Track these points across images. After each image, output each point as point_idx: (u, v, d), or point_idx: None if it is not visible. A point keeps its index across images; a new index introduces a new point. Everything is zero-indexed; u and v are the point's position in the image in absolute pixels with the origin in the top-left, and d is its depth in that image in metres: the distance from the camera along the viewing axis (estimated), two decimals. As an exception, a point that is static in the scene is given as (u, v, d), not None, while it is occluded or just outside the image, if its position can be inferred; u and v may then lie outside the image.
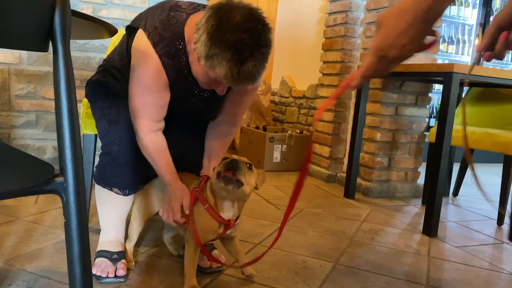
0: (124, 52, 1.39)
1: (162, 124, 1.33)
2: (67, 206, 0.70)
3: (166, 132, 1.38)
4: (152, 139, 1.30)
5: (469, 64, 4.34)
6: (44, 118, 2.33)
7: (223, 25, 1.08)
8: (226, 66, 1.10)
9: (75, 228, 0.70)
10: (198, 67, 1.20)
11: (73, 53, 2.03)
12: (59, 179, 0.70)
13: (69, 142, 0.69)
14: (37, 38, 0.66)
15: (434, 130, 2.48)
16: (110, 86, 1.42)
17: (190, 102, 1.39)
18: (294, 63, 4.02)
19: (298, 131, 3.53)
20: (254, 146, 3.42)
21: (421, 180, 2.87)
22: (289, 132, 3.42)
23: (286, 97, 4.03)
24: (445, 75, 1.95)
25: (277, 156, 3.31)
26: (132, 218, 1.43)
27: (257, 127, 3.66)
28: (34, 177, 0.67)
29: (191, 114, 1.45)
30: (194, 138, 1.50)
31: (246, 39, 1.08)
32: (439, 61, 4.16)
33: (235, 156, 1.23)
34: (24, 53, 2.23)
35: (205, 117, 1.49)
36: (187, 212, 1.29)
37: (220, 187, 1.19)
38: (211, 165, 1.44)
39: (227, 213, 1.26)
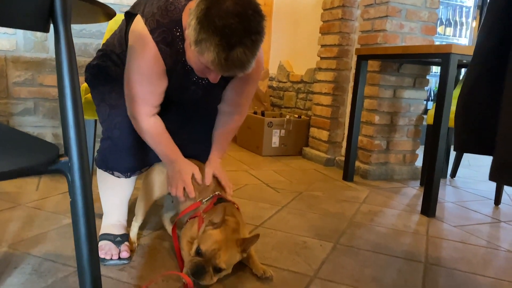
0: (123, 38, 1.39)
1: (159, 108, 1.34)
2: (73, 185, 0.71)
3: (167, 119, 1.39)
4: (152, 123, 1.31)
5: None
6: (42, 105, 2.32)
7: (212, 9, 1.07)
8: (214, 52, 1.09)
9: (81, 206, 0.71)
10: (191, 53, 1.20)
11: (70, 39, 2.00)
12: (64, 159, 0.71)
13: (73, 122, 0.70)
14: (38, 17, 0.66)
15: (432, 112, 2.49)
16: (110, 71, 1.41)
17: (189, 90, 1.39)
18: (291, 47, 4.00)
19: (296, 115, 3.53)
20: (253, 131, 3.42)
21: (419, 163, 2.89)
22: (287, 117, 3.43)
23: (284, 82, 4.03)
24: (443, 56, 1.95)
25: (275, 141, 3.32)
26: (139, 198, 1.47)
27: (255, 113, 3.66)
28: (40, 157, 0.68)
29: (192, 101, 1.45)
30: (196, 126, 1.51)
31: (234, 25, 1.06)
32: (437, 44, 4.16)
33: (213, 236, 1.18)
34: (20, 40, 2.22)
35: (206, 104, 1.50)
36: (201, 183, 1.37)
37: None
38: (213, 157, 1.47)
39: None
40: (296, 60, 3.93)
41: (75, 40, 2.32)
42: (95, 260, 0.75)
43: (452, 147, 2.99)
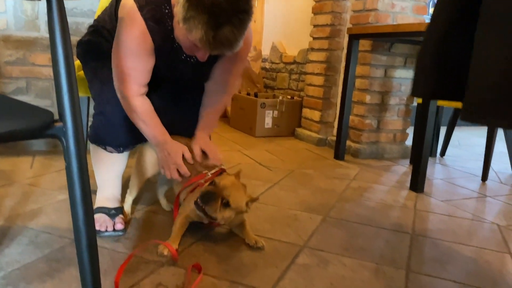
0: (113, 13, 1.40)
1: (147, 87, 1.36)
2: (68, 150, 0.73)
3: (158, 97, 1.40)
4: (141, 102, 1.32)
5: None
6: (34, 85, 2.32)
7: None
8: (202, 30, 1.10)
9: (76, 171, 0.74)
10: (179, 31, 1.22)
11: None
12: (59, 124, 0.73)
13: (67, 88, 0.72)
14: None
15: (422, 91, 2.52)
16: (102, 46, 1.42)
17: (178, 68, 1.40)
18: (284, 28, 4.00)
19: (289, 96, 3.55)
20: (246, 112, 3.44)
21: (409, 142, 2.94)
22: (280, 98, 3.45)
23: (276, 63, 4.03)
24: (432, 34, 1.97)
25: (268, 122, 3.35)
26: (132, 175, 1.49)
27: (248, 94, 3.68)
28: (35, 121, 0.70)
29: (181, 80, 1.46)
30: (186, 104, 1.52)
31: (223, 3, 1.08)
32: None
33: (223, 182, 1.23)
34: (11, 19, 2.20)
35: (196, 83, 1.51)
36: (192, 162, 1.38)
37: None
38: (200, 133, 1.49)
39: None
40: (289, 41, 3.93)
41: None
42: (90, 223, 0.77)
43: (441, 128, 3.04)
